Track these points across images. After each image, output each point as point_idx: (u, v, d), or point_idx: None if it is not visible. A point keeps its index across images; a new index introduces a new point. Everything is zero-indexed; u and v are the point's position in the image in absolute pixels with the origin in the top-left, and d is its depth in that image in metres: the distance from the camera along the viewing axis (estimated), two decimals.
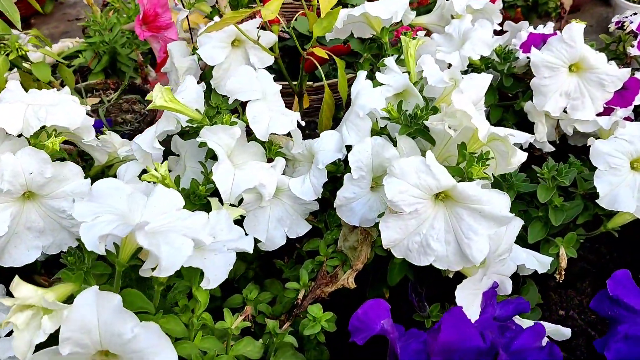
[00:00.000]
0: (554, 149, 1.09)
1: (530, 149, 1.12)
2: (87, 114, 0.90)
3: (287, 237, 0.86)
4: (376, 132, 0.87)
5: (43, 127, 0.82)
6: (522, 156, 0.78)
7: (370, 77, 0.98)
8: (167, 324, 0.70)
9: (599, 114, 1.06)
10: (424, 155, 0.83)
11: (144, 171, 0.81)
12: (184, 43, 1.13)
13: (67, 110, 0.84)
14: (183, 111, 0.80)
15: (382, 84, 0.89)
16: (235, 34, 1.02)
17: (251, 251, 0.71)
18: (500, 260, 0.77)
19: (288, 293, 0.86)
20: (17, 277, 0.55)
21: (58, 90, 1.23)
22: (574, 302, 1.04)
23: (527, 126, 1.10)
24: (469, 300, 0.71)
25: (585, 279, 1.08)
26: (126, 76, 1.39)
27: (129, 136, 1.27)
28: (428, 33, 1.21)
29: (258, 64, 1.03)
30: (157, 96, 0.78)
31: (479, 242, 0.68)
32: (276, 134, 0.83)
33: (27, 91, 1.15)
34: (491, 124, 1.10)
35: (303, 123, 0.89)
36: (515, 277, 0.84)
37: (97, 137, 1.04)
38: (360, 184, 0.80)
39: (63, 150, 0.84)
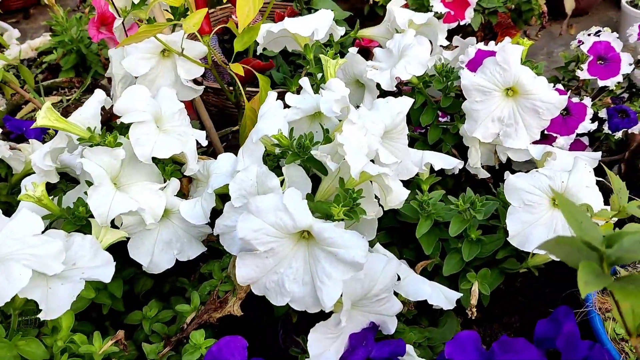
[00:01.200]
0: (489, 175, 1.04)
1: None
2: None
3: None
4: (274, 157, 0.85)
5: None
6: (402, 195, 0.74)
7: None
8: (26, 346, 0.70)
9: (543, 140, 1.00)
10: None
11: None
12: (120, 51, 1.13)
13: None
14: (69, 130, 0.80)
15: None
16: (164, 46, 1.01)
17: (108, 280, 0.70)
18: (378, 300, 0.74)
19: (183, 314, 0.85)
20: None
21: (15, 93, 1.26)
22: (498, 337, 0.99)
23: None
24: (323, 345, 0.69)
25: (515, 314, 1.03)
26: (89, 75, 1.40)
27: None
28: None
29: (185, 76, 1.02)
30: (41, 115, 0.78)
31: (330, 287, 0.65)
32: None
33: None
34: (429, 145, 1.07)
35: (205, 143, 0.88)
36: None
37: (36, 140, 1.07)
38: (242, 212, 0.78)
39: None
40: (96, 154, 0.78)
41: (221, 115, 1.38)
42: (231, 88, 1.16)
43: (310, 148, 0.78)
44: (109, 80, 1.49)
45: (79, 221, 0.78)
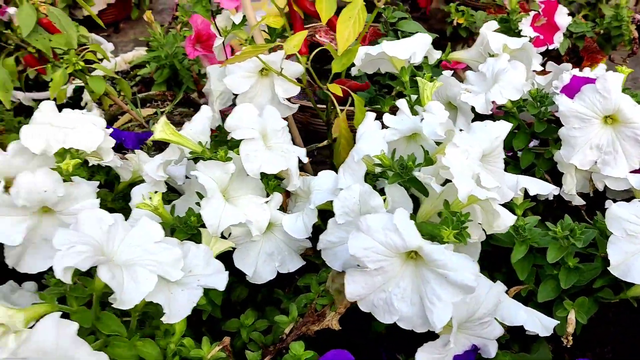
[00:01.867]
0: (583, 202, 1.02)
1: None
2: (141, 125, 0.97)
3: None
4: (374, 175, 0.87)
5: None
6: (508, 220, 0.75)
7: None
8: (143, 347, 0.74)
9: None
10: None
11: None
12: (220, 68, 1.18)
13: (85, 134, 0.91)
14: (183, 143, 0.85)
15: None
16: (262, 64, 1.05)
17: (222, 289, 0.73)
18: (482, 324, 0.75)
19: (280, 325, 0.88)
20: None
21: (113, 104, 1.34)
22: None
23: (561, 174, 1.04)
24: None
25: (608, 344, 1.01)
26: (181, 89, 1.46)
27: None
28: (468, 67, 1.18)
29: (282, 94, 1.06)
30: (158, 129, 0.83)
31: (441, 309, 0.67)
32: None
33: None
34: (521, 170, 1.07)
35: (305, 160, 0.91)
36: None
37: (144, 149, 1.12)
38: (346, 229, 0.80)
39: (83, 169, 0.91)
40: (209, 168, 0.82)
41: (305, 132, 1.41)
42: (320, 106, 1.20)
43: (413, 169, 0.79)
44: (199, 94, 1.56)
45: (190, 230, 0.83)
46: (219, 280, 0.74)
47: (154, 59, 1.50)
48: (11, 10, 1.46)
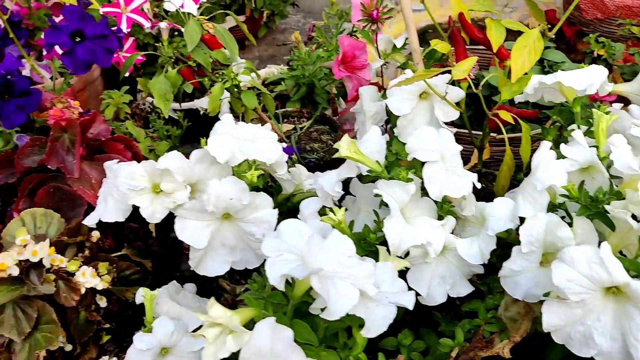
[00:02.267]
0: None
1: None
2: (281, 140, 1.01)
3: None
4: (553, 206, 0.86)
5: None
6: None
7: (557, 141, 0.97)
8: (327, 357, 0.77)
9: None
10: (601, 238, 0.81)
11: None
12: (374, 89, 1.21)
13: (265, 147, 0.95)
14: (365, 163, 0.87)
15: (566, 157, 0.88)
16: (423, 88, 1.07)
17: (411, 307, 0.75)
18: None
19: (442, 347, 0.88)
20: (212, 299, 0.65)
21: (257, 117, 1.39)
22: None
23: None
24: None
25: None
26: (319, 108, 1.51)
27: (315, 164, 1.38)
28: (627, 101, 1.15)
29: (443, 118, 1.07)
30: (344, 147, 0.86)
31: None
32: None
33: (235, 113, 1.32)
34: None
35: (479, 186, 0.91)
36: None
37: (287, 164, 1.16)
38: (529, 258, 0.80)
39: (260, 180, 0.95)
40: (390, 187, 0.84)
41: None
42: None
43: (604, 202, 0.78)
44: (334, 112, 1.60)
45: (369, 247, 0.85)
46: (408, 298, 0.76)
47: (293, 77, 1.55)
48: (162, 24, 1.55)
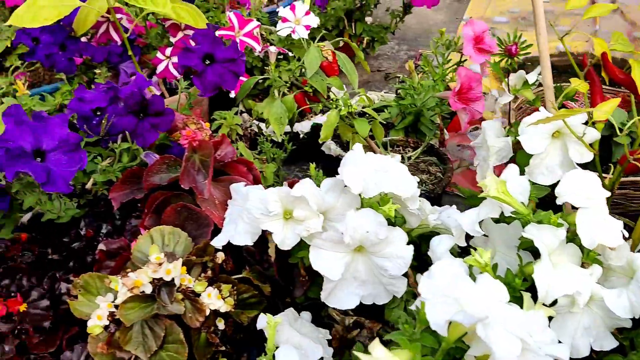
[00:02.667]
0: None
1: None
2: None
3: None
4: None
5: None
6: None
7: None
8: None
9: None
10: None
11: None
12: (499, 123, 1.18)
13: (401, 180, 0.94)
14: (513, 205, 0.84)
15: None
16: (557, 127, 1.03)
17: (566, 359, 0.71)
18: None
19: None
20: (377, 340, 0.64)
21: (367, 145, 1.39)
22: None
23: None
24: None
25: None
26: (427, 138, 1.49)
27: (425, 197, 1.36)
28: None
29: (577, 159, 1.03)
30: (492, 188, 0.83)
31: None
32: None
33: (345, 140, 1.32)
34: None
35: (627, 234, 0.87)
36: None
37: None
38: None
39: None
40: (541, 232, 0.81)
41: None
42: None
43: None
44: (441, 143, 1.57)
45: (512, 292, 0.81)
46: (562, 350, 0.72)
47: (400, 105, 1.54)
48: (271, 48, 1.58)
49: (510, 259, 0.91)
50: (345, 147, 1.64)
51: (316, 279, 1.06)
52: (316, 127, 1.71)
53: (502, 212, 0.90)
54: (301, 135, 1.74)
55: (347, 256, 0.90)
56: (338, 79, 1.36)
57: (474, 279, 0.74)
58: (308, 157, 1.86)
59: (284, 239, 0.92)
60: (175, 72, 1.65)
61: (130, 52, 1.59)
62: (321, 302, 1.11)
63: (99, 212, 1.23)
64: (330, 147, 1.64)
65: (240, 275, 1.06)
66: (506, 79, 1.17)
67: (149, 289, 0.92)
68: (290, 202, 0.93)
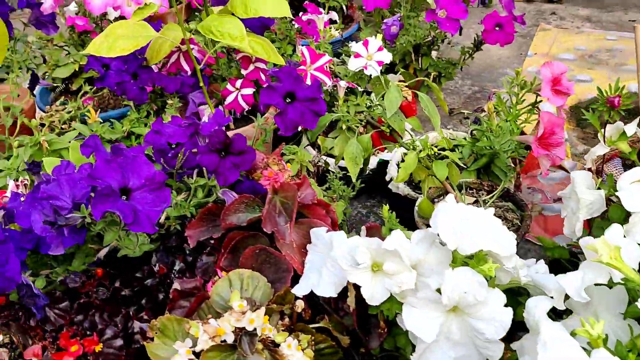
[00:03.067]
0: None
1: None
2: None
3: None
4: None
5: None
6: None
7: None
8: None
9: None
10: None
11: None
12: (589, 175, 1.12)
13: (498, 236, 0.89)
14: (627, 273, 0.79)
15: None
16: None
17: None
18: None
19: None
20: None
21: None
22: None
23: None
24: None
25: None
26: (503, 182, 1.43)
27: None
28: None
29: None
30: (605, 254, 0.78)
31: None
32: None
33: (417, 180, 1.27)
34: None
35: None
36: None
37: None
38: None
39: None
40: None
41: None
42: None
43: None
44: (516, 187, 1.52)
45: None
46: None
47: (476, 147, 1.49)
48: (341, 83, 1.55)
49: (614, 327, 0.85)
50: (415, 186, 1.60)
51: (393, 330, 1.02)
52: (382, 164, 1.68)
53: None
54: (366, 172, 1.71)
55: (442, 316, 0.85)
56: (417, 120, 1.33)
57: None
58: (371, 192, 1.83)
59: (373, 293, 0.88)
60: (244, 104, 1.65)
61: (201, 83, 1.59)
62: (397, 354, 1.06)
63: (170, 247, 1.21)
64: (399, 186, 1.60)
65: (317, 325, 1.02)
66: (602, 130, 1.11)
67: (230, 338, 0.89)
68: (381, 254, 0.89)
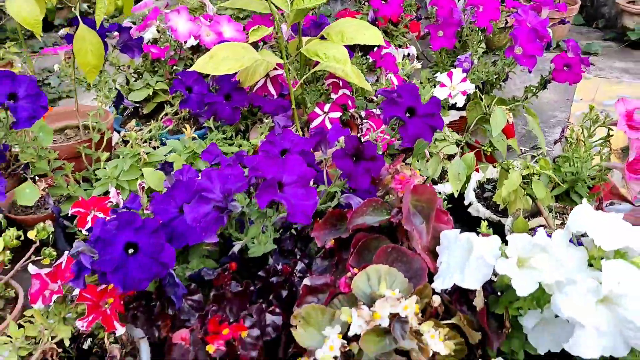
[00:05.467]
0: None
1: None
2: None
3: None
4: None
5: None
6: None
7: None
8: None
9: None
10: None
11: None
12: None
13: (635, 235, 0.96)
14: None
15: None
16: None
17: None
18: None
19: None
20: None
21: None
22: None
23: None
24: None
25: None
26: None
27: None
28: None
29: None
30: None
31: None
32: None
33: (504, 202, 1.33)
34: None
35: None
36: None
37: None
38: None
39: None
40: None
41: None
42: None
43: None
44: None
45: None
46: None
47: (560, 174, 1.57)
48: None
49: None
50: (494, 209, 1.66)
51: (514, 332, 1.06)
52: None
53: None
54: (444, 196, 1.78)
55: (592, 307, 0.90)
56: (515, 141, 1.41)
57: None
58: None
59: (523, 284, 0.93)
60: (329, 127, 1.73)
61: (293, 105, 1.68)
62: (510, 358, 1.11)
63: (284, 250, 1.27)
64: (479, 209, 1.67)
65: (450, 321, 1.06)
66: None
67: (385, 323, 0.93)
68: (527, 250, 0.95)
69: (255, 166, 0.97)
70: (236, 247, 1.13)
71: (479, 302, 1.08)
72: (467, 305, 1.09)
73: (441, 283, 1.02)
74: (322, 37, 1.61)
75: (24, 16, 1.56)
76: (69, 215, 1.39)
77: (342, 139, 1.21)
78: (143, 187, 1.36)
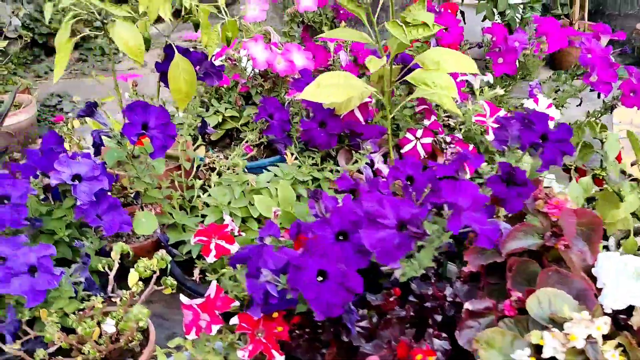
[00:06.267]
0: None
1: None
2: None
3: None
4: None
5: None
6: None
7: None
8: None
9: None
10: None
11: None
12: None
13: None
14: None
15: None
16: None
17: None
18: None
19: None
20: None
21: None
22: None
23: None
24: None
25: None
26: None
27: None
28: None
29: None
30: None
31: None
32: None
33: None
34: None
35: None
36: None
37: None
38: None
39: None
40: None
41: None
42: None
43: None
44: None
45: None
46: None
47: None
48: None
49: None
50: None
51: None
52: None
53: None
54: None
55: None
56: (625, 165, 1.48)
57: None
58: None
59: None
60: (422, 152, 1.78)
61: (389, 131, 1.73)
62: None
63: (424, 275, 1.30)
64: None
65: (615, 340, 1.11)
66: None
67: (581, 345, 0.98)
68: None
69: (439, 195, 1.02)
70: (397, 272, 1.17)
71: (636, 321, 1.13)
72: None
73: (612, 303, 1.07)
74: (413, 66, 1.67)
75: (130, 46, 1.57)
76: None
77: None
78: (277, 215, 1.38)
